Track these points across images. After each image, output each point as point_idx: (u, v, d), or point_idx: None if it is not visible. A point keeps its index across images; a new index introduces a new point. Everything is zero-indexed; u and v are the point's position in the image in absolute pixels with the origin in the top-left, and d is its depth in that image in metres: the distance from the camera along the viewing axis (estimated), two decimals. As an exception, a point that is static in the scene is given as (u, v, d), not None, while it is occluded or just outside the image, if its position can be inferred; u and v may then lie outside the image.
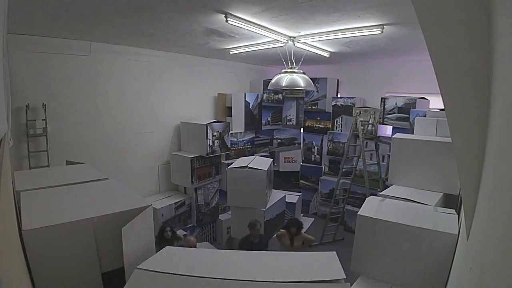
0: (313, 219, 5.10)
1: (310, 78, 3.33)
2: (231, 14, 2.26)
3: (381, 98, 4.28)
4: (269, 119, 5.32)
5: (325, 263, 1.01)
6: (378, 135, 4.40)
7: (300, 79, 3.14)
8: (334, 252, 1.06)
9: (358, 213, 1.81)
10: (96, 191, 1.36)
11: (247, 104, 4.70)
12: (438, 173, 2.37)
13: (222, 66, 4.74)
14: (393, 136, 2.83)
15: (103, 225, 1.07)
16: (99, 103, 3.45)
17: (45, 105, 2.96)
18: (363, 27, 2.52)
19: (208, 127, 3.90)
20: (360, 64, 4.83)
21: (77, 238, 1.03)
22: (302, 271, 0.97)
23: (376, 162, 4.24)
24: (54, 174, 1.63)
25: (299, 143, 5.50)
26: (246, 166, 3.38)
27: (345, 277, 0.91)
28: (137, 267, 0.97)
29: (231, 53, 3.83)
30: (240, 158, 4.01)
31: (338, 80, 5.23)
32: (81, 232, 1.03)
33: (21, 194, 1.19)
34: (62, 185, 1.38)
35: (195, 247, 2.62)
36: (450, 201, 2.29)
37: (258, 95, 4.89)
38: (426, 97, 4.03)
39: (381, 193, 2.44)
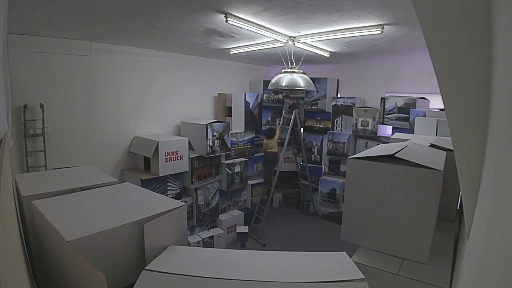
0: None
1: (310, 78, 3.33)
2: (231, 14, 2.26)
3: (381, 98, 4.28)
4: (269, 119, 5.32)
5: (338, 263, 0.98)
6: (378, 135, 4.41)
7: (300, 79, 3.14)
8: (344, 252, 1.03)
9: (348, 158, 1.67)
10: (119, 195, 1.28)
11: (247, 104, 4.70)
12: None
13: (222, 66, 4.75)
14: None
15: (141, 229, 1.02)
16: (99, 103, 3.45)
17: (43, 105, 2.96)
18: (363, 27, 2.52)
19: (208, 127, 3.90)
20: (360, 64, 4.83)
21: (120, 245, 0.98)
22: (316, 271, 0.93)
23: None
24: (60, 177, 1.56)
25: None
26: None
27: (363, 276, 0.88)
28: (145, 268, 0.94)
29: (231, 53, 3.83)
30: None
31: (338, 80, 5.23)
32: (124, 237, 0.99)
33: (35, 203, 1.12)
34: (71, 189, 1.32)
35: None
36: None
37: (258, 95, 4.89)
38: (426, 97, 4.03)
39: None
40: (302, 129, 5.30)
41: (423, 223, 1.45)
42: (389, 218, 1.54)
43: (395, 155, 1.54)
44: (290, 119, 4.92)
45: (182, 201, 3.99)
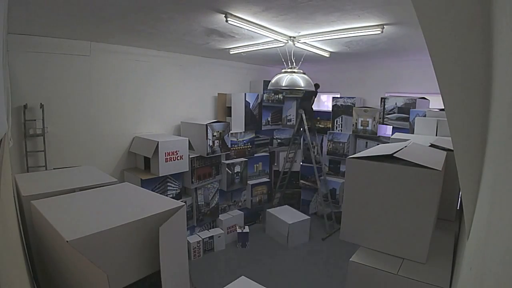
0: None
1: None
2: (231, 14, 2.26)
3: (381, 98, 4.28)
4: (269, 119, 5.32)
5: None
6: (378, 135, 4.41)
7: (300, 79, 3.14)
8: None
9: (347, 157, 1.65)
10: (118, 195, 1.28)
11: (247, 104, 4.70)
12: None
13: (222, 66, 4.74)
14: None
15: (140, 229, 1.03)
16: (99, 103, 3.45)
17: (43, 105, 2.96)
18: (363, 27, 2.52)
19: (208, 127, 3.90)
20: (360, 64, 4.83)
21: (119, 244, 0.99)
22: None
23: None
24: (60, 177, 1.55)
25: (299, 143, 5.50)
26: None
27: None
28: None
29: (231, 53, 3.83)
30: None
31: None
32: (123, 237, 0.99)
33: (35, 203, 1.12)
34: (71, 189, 1.31)
35: None
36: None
37: (258, 95, 4.89)
38: (426, 97, 4.03)
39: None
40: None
41: (421, 223, 1.45)
42: (388, 218, 1.54)
43: (394, 155, 1.54)
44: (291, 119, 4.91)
45: (182, 201, 3.99)
